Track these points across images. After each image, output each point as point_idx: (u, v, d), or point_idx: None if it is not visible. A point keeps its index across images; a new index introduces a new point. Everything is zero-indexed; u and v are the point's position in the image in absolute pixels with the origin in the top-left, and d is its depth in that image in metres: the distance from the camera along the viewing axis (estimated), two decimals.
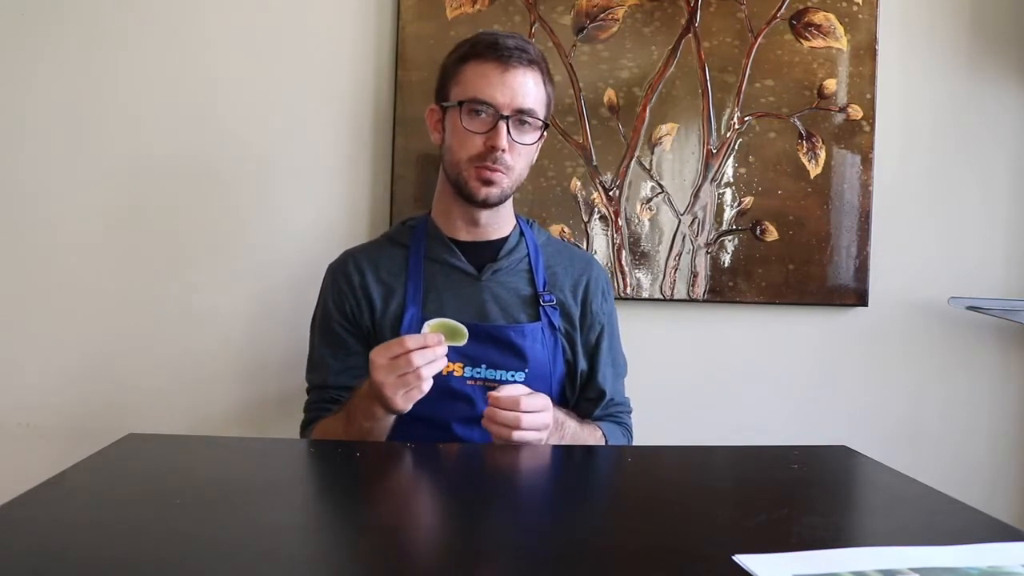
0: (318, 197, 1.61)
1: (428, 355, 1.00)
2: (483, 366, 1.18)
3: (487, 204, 1.20)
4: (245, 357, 1.61)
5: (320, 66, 1.60)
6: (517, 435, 1.02)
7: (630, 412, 1.35)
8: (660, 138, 1.64)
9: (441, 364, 1.01)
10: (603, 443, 1.21)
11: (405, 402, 1.01)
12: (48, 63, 1.56)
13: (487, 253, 1.25)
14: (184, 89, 1.58)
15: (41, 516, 0.70)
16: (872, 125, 1.67)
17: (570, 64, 1.62)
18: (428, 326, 1.04)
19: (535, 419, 1.04)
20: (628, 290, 1.65)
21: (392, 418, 1.07)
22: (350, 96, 1.61)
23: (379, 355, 1.01)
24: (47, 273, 1.57)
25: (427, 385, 1.01)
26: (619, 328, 1.36)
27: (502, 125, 1.15)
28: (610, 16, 1.62)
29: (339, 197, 1.62)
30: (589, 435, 1.20)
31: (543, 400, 1.06)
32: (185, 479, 0.85)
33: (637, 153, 1.64)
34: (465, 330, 1.05)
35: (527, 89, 1.17)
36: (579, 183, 1.63)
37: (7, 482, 0.83)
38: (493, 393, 1.04)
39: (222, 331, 1.60)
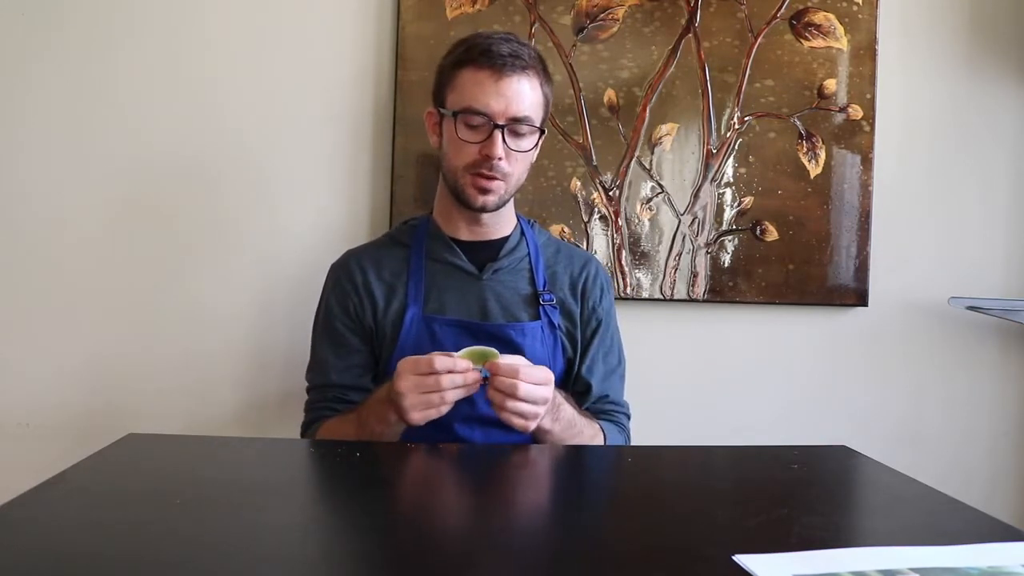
0: (318, 197, 1.61)
1: (457, 380, 0.99)
2: (483, 365, 1.18)
3: (485, 210, 1.21)
4: (245, 357, 1.61)
5: (320, 66, 1.60)
6: (512, 404, 1.00)
7: (628, 417, 1.32)
8: (660, 138, 1.64)
9: (467, 392, 1.00)
10: (601, 438, 1.20)
11: (421, 418, 1.00)
12: (48, 64, 1.56)
13: (488, 252, 1.26)
14: (184, 89, 1.58)
15: (41, 516, 0.70)
16: (872, 125, 1.67)
17: (570, 64, 1.62)
18: (459, 354, 1.01)
19: (534, 391, 1.01)
20: (628, 290, 1.65)
21: (403, 426, 1.06)
22: (350, 96, 1.61)
23: (407, 367, 1.00)
24: (47, 273, 1.58)
25: (447, 408, 1.00)
26: (618, 327, 1.35)
27: (497, 134, 1.15)
28: (610, 16, 1.62)
29: (339, 197, 1.62)
30: (587, 426, 1.18)
31: (544, 373, 1.03)
32: (185, 479, 0.85)
33: (637, 153, 1.64)
34: (496, 351, 1.02)
35: (522, 96, 1.16)
36: (579, 183, 1.63)
37: (7, 482, 0.83)
38: (494, 361, 1.00)
39: (222, 331, 1.60)
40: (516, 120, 1.16)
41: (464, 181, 1.18)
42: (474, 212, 1.22)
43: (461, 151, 1.17)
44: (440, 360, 0.99)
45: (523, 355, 1.19)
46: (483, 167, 1.16)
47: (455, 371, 0.99)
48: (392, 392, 1.01)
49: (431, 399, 0.98)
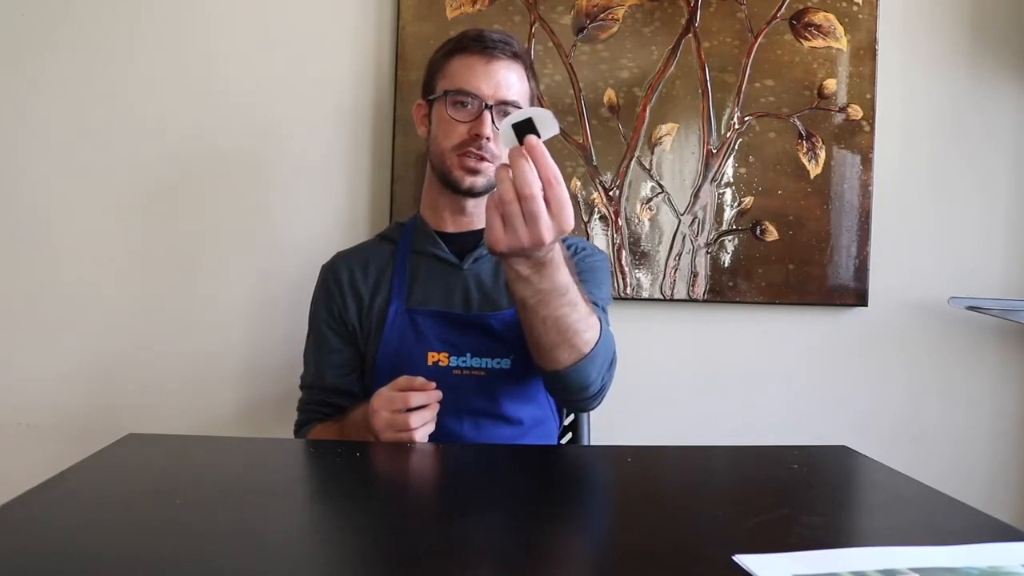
0: (318, 198, 1.61)
1: (425, 416, 1.02)
2: (468, 354, 1.18)
3: (472, 193, 1.21)
4: (245, 357, 1.61)
5: (320, 66, 1.60)
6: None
7: (607, 323, 1.17)
8: (660, 138, 1.64)
9: (432, 426, 1.03)
10: (597, 329, 1.04)
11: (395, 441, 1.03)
12: (47, 65, 1.56)
13: (471, 242, 1.26)
14: (184, 91, 1.58)
15: (41, 516, 0.70)
16: (872, 125, 1.67)
17: (570, 64, 1.62)
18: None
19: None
20: (628, 290, 1.64)
21: None
22: (350, 96, 1.61)
23: (382, 406, 1.03)
24: (47, 273, 1.58)
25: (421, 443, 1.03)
26: (607, 279, 1.28)
27: (486, 114, 1.16)
28: (610, 16, 1.62)
29: (339, 197, 1.62)
30: (583, 304, 1.01)
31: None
32: (185, 479, 0.85)
33: (637, 153, 1.64)
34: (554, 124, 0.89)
35: (510, 81, 1.18)
36: (579, 183, 1.63)
37: (7, 482, 0.83)
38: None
39: (222, 331, 1.60)
40: (505, 103, 1.17)
41: (452, 162, 1.19)
42: (461, 196, 1.22)
43: (450, 132, 1.18)
44: (414, 395, 1.02)
45: (507, 343, 1.18)
46: (472, 147, 1.17)
47: (429, 402, 1.02)
48: (369, 426, 1.04)
49: (401, 437, 1.02)
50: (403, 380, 1.04)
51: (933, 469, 1.47)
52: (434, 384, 1.04)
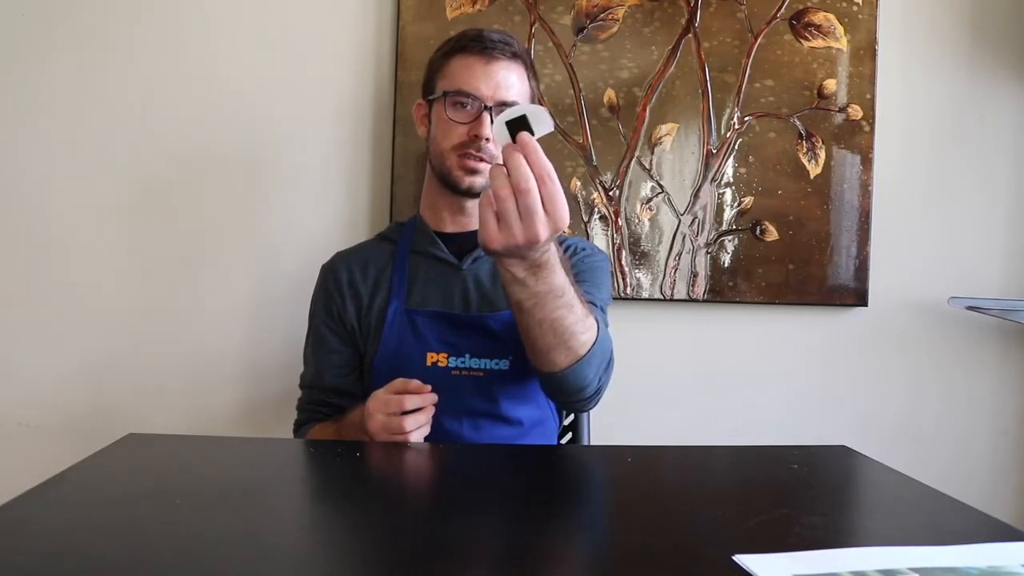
0: (318, 198, 1.61)
1: (420, 419, 1.01)
2: (467, 355, 1.18)
3: (471, 193, 1.21)
4: (245, 357, 1.61)
5: (320, 66, 1.60)
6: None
7: (606, 323, 1.18)
8: (660, 138, 1.64)
9: (427, 429, 1.03)
10: (593, 332, 1.03)
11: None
12: (47, 65, 1.56)
13: (471, 242, 1.25)
14: (184, 91, 1.58)
15: (41, 516, 0.70)
16: (872, 125, 1.67)
17: (570, 64, 1.62)
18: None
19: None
20: (628, 290, 1.65)
21: None
22: (350, 96, 1.61)
23: (377, 409, 1.03)
24: (48, 273, 1.58)
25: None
26: (609, 289, 1.28)
27: (485, 115, 1.16)
28: (610, 16, 1.62)
29: (339, 197, 1.62)
30: (579, 305, 1.00)
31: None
32: (185, 479, 0.85)
33: (637, 153, 1.64)
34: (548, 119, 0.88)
35: (510, 82, 1.18)
36: (579, 183, 1.63)
37: (7, 482, 0.83)
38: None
39: (222, 331, 1.60)
40: (504, 104, 1.17)
41: (451, 163, 1.19)
42: (460, 196, 1.22)
43: (450, 133, 1.18)
44: (409, 398, 1.01)
45: (506, 343, 1.17)
46: (471, 147, 1.17)
47: (422, 407, 1.02)
48: (365, 426, 1.04)
49: (396, 439, 1.02)
50: (399, 383, 1.04)
51: (933, 469, 1.47)
52: (430, 387, 1.03)
